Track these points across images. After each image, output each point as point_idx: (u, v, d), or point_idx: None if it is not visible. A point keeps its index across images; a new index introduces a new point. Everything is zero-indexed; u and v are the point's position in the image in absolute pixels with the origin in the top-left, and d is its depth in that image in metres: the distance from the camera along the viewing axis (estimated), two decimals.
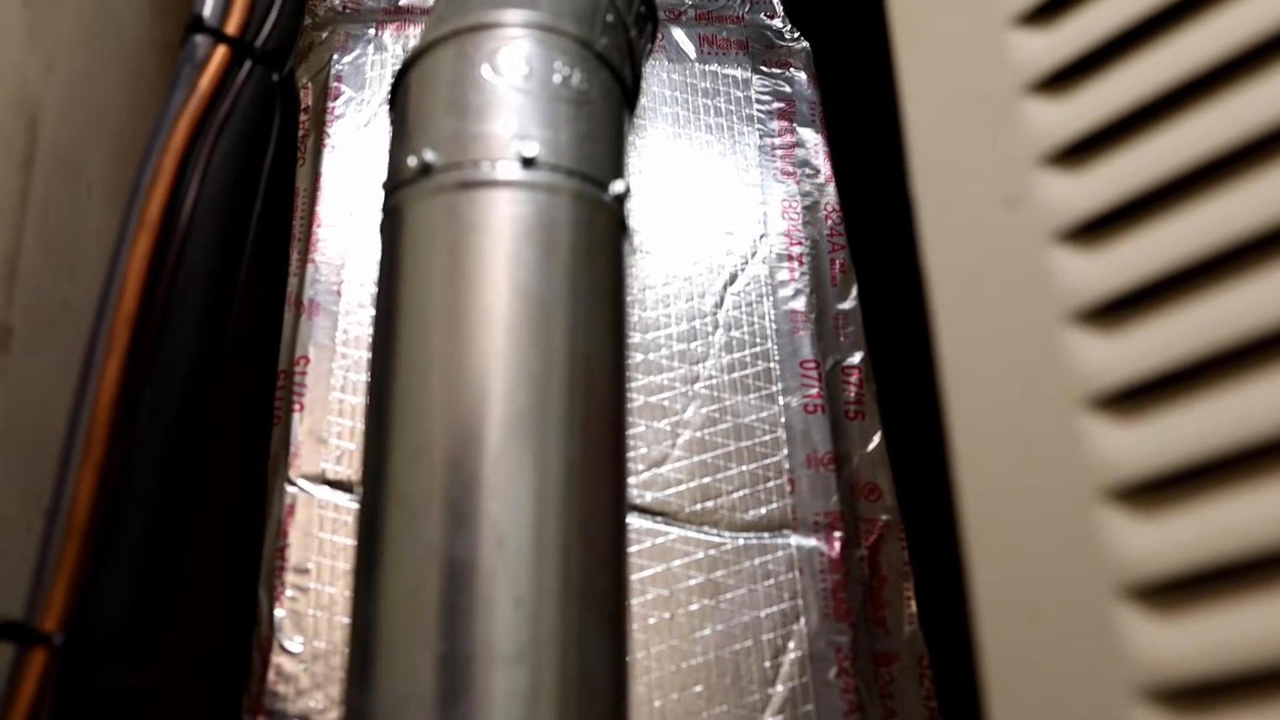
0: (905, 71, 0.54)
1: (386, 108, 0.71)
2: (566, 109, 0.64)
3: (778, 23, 0.98)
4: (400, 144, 0.65)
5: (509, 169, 0.61)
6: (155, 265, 0.64)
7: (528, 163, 0.61)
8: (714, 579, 0.78)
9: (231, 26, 0.70)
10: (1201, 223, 0.43)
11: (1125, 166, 0.45)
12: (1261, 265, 0.41)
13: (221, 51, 0.69)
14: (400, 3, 0.96)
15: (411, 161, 0.62)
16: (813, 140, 0.94)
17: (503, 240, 0.60)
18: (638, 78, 0.74)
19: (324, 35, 0.93)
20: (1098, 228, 0.45)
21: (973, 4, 0.52)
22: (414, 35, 0.94)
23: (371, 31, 0.93)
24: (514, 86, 0.63)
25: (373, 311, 0.81)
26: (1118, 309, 0.44)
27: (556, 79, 0.65)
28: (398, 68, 0.68)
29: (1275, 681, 0.38)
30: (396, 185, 0.64)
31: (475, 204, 0.61)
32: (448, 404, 0.57)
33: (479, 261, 0.59)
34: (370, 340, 0.65)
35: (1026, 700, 0.42)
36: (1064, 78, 0.48)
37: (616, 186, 0.64)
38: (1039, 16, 0.50)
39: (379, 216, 0.65)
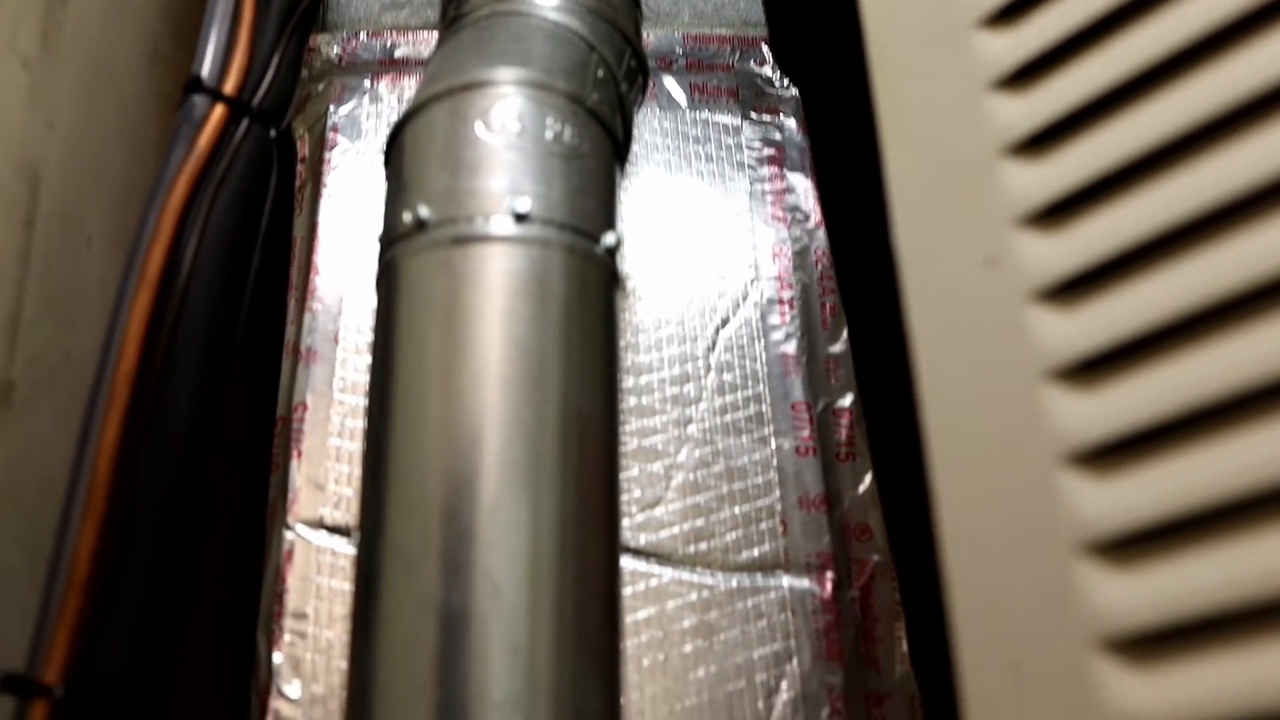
0: (887, 134, 0.55)
1: (382, 159, 0.72)
2: (558, 164, 0.65)
3: (767, 70, 1.00)
4: (396, 200, 0.66)
5: (502, 224, 0.62)
6: (155, 322, 0.65)
7: (520, 218, 0.62)
8: (707, 620, 0.79)
9: (229, 86, 0.71)
10: (1173, 283, 0.44)
11: (1099, 228, 0.46)
12: (1230, 324, 0.43)
13: (219, 111, 0.71)
14: (395, 55, 0.98)
15: (407, 217, 0.64)
16: (802, 186, 0.95)
17: (497, 295, 0.61)
18: (628, 130, 0.76)
19: (320, 87, 0.94)
20: (1074, 287, 0.47)
21: (953, 70, 0.53)
22: (409, 87, 0.95)
23: (367, 83, 0.94)
24: (507, 143, 0.65)
25: (369, 358, 0.82)
26: (1093, 366, 0.45)
27: (548, 135, 0.66)
28: (393, 124, 0.69)
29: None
30: (392, 240, 0.65)
31: (469, 259, 0.62)
32: (443, 458, 0.58)
33: (473, 316, 0.60)
34: (367, 387, 0.66)
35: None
36: (1041, 140, 0.50)
37: (608, 239, 0.65)
38: (1017, 80, 0.51)
39: (375, 271, 0.66)
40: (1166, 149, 0.46)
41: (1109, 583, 0.43)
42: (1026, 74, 0.51)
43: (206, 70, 0.71)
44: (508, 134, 0.65)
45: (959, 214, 0.50)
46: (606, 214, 0.67)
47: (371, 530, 0.59)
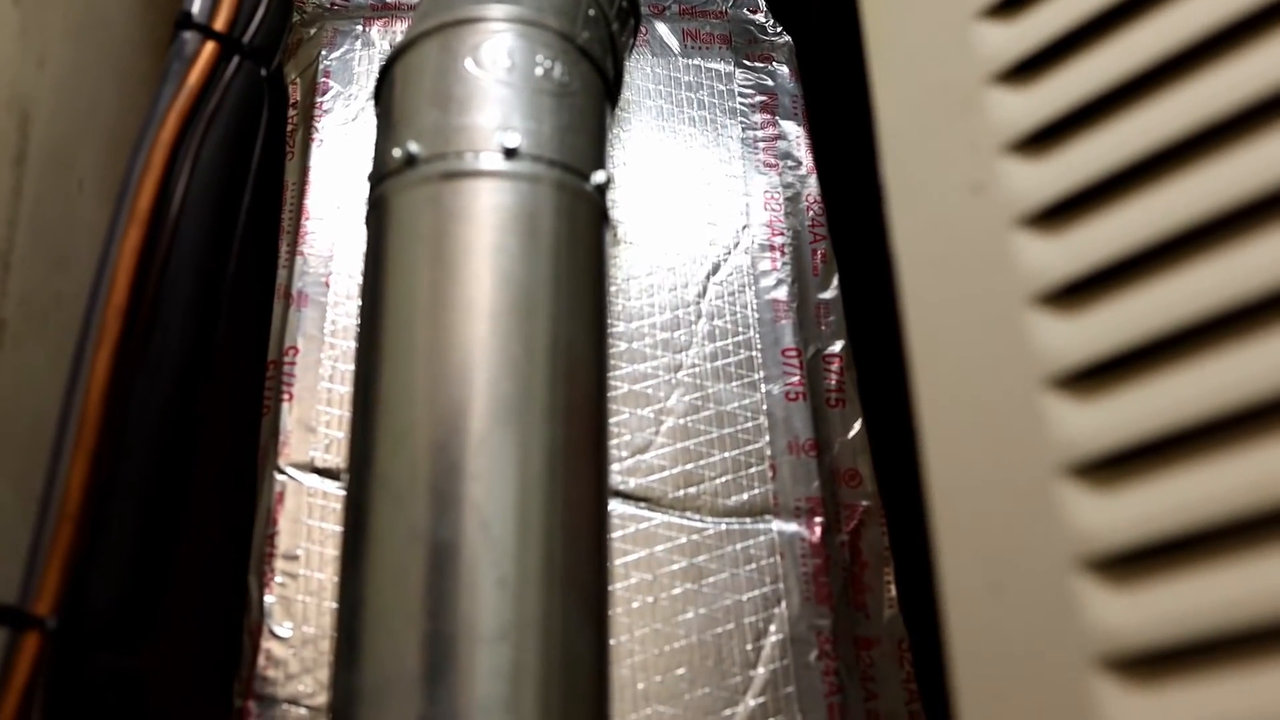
0: (875, 62, 0.55)
1: (372, 102, 0.72)
2: (548, 101, 0.65)
3: (760, 17, 1.00)
4: (385, 136, 0.66)
5: (492, 160, 0.62)
6: (145, 257, 0.65)
7: (510, 153, 0.62)
8: (696, 563, 0.79)
9: (219, 23, 0.71)
10: (1157, 207, 0.44)
11: (1085, 154, 0.47)
12: (1214, 248, 0.43)
13: (210, 47, 0.71)
14: None
15: (396, 153, 0.64)
16: (794, 133, 0.95)
17: (486, 229, 0.61)
18: (619, 71, 0.75)
19: (312, 31, 0.94)
20: (1058, 213, 0.47)
21: None
22: (401, 31, 0.95)
23: (359, 27, 0.94)
24: (496, 79, 0.65)
25: (360, 302, 0.82)
26: (1078, 291, 0.46)
27: (538, 72, 0.66)
28: (383, 60, 0.69)
29: (1223, 650, 0.39)
30: (381, 176, 0.65)
31: (459, 194, 0.62)
32: (432, 390, 0.58)
33: (462, 250, 0.60)
34: (357, 330, 0.66)
35: (989, 669, 0.44)
36: (1027, 68, 0.50)
37: (598, 177, 0.65)
38: (1004, 9, 0.51)
39: (365, 208, 0.66)
40: (1153, 73, 0.46)
41: (1090, 504, 0.43)
42: (1014, 2, 0.51)
43: (197, 6, 0.71)
44: (498, 70, 0.65)
45: (946, 140, 0.50)
46: (596, 152, 0.67)
47: (360, 462, 0.59)
